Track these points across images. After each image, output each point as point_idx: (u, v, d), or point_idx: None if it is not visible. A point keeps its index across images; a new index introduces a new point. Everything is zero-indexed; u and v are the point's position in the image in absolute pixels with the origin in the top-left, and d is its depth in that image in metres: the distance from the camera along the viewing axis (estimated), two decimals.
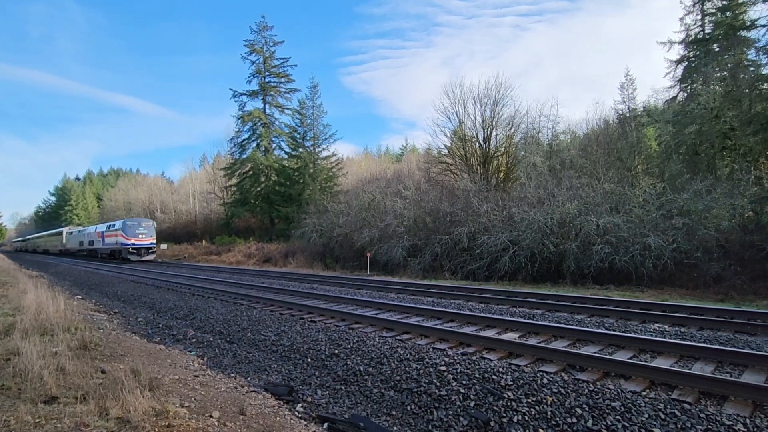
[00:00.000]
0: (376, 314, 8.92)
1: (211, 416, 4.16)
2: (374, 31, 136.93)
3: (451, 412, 4.51)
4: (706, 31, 24.29)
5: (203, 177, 60.17)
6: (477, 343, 6.42)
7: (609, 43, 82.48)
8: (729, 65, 19.87)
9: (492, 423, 4.21)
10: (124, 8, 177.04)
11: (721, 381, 4.44)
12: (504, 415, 4.29)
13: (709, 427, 3.71)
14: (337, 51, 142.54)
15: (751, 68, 19.65)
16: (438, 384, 5.01)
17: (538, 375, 4.91)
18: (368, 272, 20.68)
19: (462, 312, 8.62)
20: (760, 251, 12.31)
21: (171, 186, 72.38)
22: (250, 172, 39.75)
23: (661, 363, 5.29)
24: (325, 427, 4.48)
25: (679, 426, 3.76)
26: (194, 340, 8.20)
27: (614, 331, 7.05)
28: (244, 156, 40.65)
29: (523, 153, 24.60)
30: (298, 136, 39.86)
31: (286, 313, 9.60)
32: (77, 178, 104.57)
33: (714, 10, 24.16)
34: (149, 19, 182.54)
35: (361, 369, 5.74)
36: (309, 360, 6.38)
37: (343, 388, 5.42)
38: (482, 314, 8.35)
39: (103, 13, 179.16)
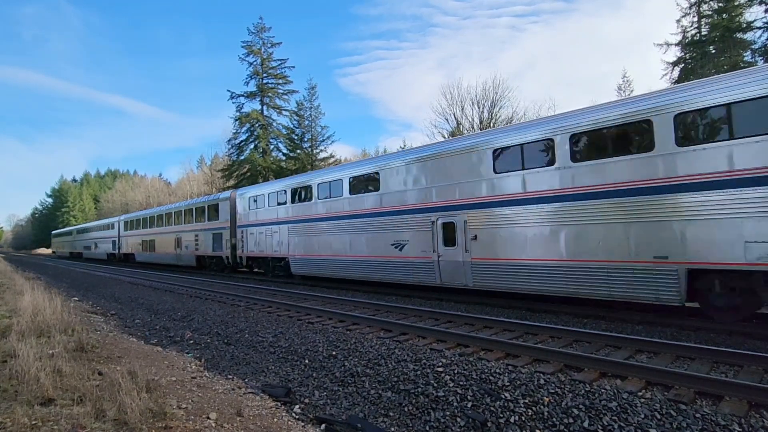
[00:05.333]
0: (373, 316, 8.93)
1: (208, 418, 4.16)
2: (370, 32, 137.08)
3: (448, 413, 4.51)
4: (703, 33, 24.42)
5: (201, 179, 60.16)
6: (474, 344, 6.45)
7: (605, 44, 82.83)
8: (725, 67, 19.98)
9: (489, 424, 4.22)
10: (118, 10, 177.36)
11: (717, 381, 4.47)
12: (501, 415, 4.30)
13: (705, 427, 3.73)
14: (332, 52, 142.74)
15: None
16: (435, 385, 5.02)
17: (535, 376, 4.92)
18: None
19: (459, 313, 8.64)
20: None
21: (168, 187, 72.37)
22: (248, 174, 39.68)
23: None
24: (322, 428, 4.48)
25: (675, 426, 3.78)
26: (192, 341, 8.19)
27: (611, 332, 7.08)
28: (242, 157, 40.61)
29: None
30: (296, 137, 39.91)
31: (284, 315, 9.60)
32: (74, 180, 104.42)
33: (710, 12, 24.29)
34: (144, 20, 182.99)
35: (359, 370, 5.74)
36: (307, 361, 6.38)
37: (340, 389, 5.42)
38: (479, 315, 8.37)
39: (97, 15, 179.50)
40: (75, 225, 67.92)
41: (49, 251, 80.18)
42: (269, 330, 8.13)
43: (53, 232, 73.05)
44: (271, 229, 17.36)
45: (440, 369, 5.36)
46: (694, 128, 6.99)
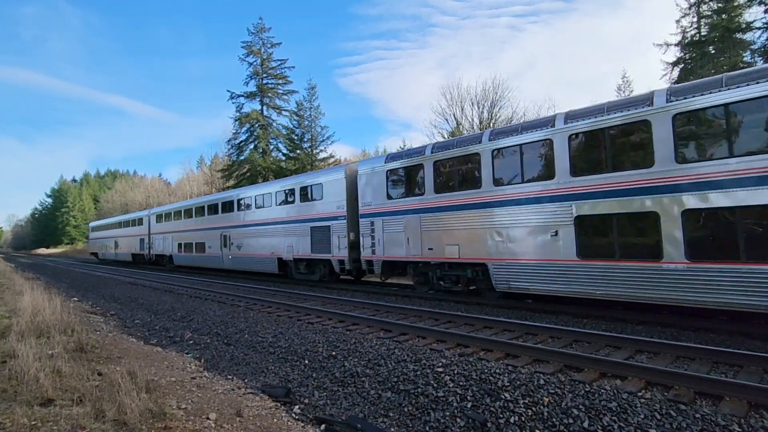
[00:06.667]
0: (373, 316, 8.93)
1: (207, 418, 4.16)
2: (369, 32, 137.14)
3: (448, 413, 4.51)
4: (702, 33, 24.42)
5: (201, 179, 60.06)
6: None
7: (605, 44, 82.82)
8: (725, 67, 19.98)
9: (489, 424, 4.22)
10: (118, 10, 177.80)
11: (717, 381, 4.47)
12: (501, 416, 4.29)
13: (705, 427, 3.73)
14: (332, 52, 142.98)
15: None
16: (435, 385, 5.01)
17: (534, 376, 4.92)
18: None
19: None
20: None
21: (168, 187, 72.27)
22: (248, 174, 39.63)
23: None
24: (322, 428, 4.48)
25: (675, 426, 3.78)
26: (191, 341, 8.18)
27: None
28: (242, 158, 40.57)
29: None
30: (295, 137, 39.85)
31: (284, 315, 9.60)
32: (74, 180, 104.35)
33: (710, 13, 24.29)
34: (144, 20, 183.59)
35: (359, 370, 5.74)
36: (306, 361, 6.37)
37: (340, 389, 5.42)
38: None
39: (97, 15, 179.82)
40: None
41: (49, 252, 79.40)
42: (269, 330, 8.12)
43: (92, 224, 46.82)
44: None
45: (440, 369, 5.35)
46: None
